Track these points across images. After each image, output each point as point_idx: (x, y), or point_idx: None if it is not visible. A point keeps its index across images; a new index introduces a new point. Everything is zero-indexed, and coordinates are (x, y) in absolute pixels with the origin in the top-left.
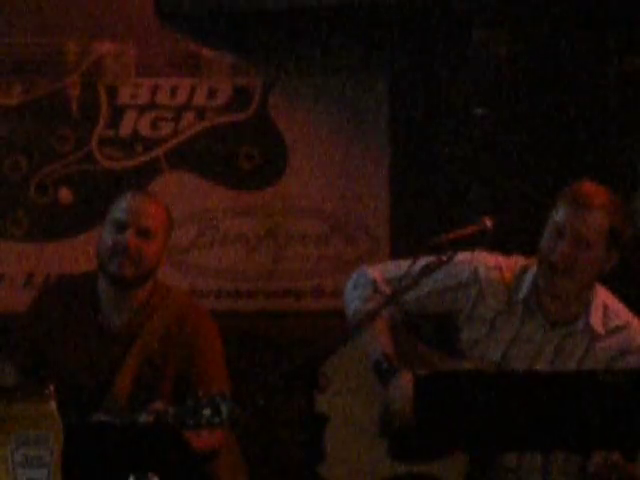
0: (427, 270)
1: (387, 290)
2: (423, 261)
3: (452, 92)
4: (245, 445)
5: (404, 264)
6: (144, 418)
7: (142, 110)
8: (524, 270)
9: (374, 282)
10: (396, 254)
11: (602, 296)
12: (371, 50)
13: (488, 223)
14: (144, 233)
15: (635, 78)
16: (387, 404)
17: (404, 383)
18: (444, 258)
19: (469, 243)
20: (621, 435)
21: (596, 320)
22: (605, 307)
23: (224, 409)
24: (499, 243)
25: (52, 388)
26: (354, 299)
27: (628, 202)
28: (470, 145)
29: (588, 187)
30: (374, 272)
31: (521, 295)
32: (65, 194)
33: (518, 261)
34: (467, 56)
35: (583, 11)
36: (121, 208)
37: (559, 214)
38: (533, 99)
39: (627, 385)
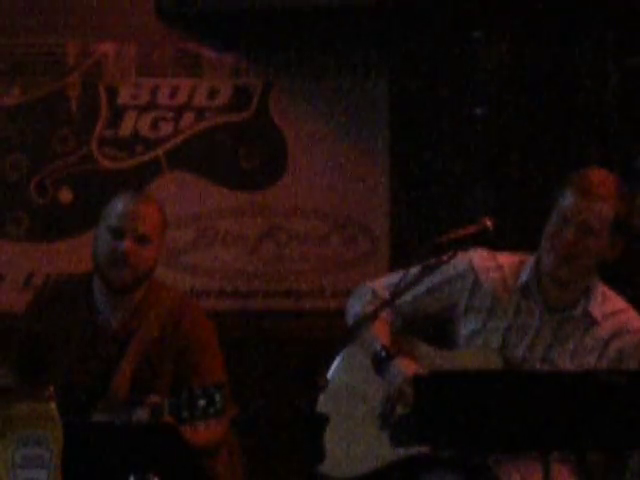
0: (427, 269)
1: (386, 295)
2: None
3: (452, 92)
4: (245, 445)
5: (402, 273)
6: (141, 412)
7: (142, 110)
8: (521, 261)
9: (373, 289)
10: (396, 254)
11: (601, 285)
12: (371, 50)
13: (488, 223)
14: (142, 239)
15: (635, 78)
16: (386, 391)
17: (403, 366)
18: (444, 258)
19: (469, 243)
20: (620, 435)
21: (594, 307)
22: (604, 295)
23: (218, 399)
24: (499, 243)
25: (52, 388)
26: (355, 307)
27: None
28: (470, 145)
29: (595, 175)
30: (373, 283)
31: (522, 279)
32: (65, 194)
33: (514, 255)
34: (467, 56)
35: (583, 11)
36: (117, 214)
37: (566, 201)
38: (533, 99)
39: (628, 385)
